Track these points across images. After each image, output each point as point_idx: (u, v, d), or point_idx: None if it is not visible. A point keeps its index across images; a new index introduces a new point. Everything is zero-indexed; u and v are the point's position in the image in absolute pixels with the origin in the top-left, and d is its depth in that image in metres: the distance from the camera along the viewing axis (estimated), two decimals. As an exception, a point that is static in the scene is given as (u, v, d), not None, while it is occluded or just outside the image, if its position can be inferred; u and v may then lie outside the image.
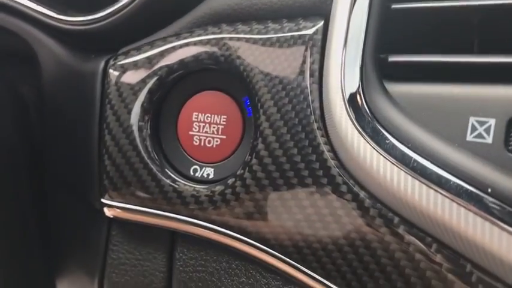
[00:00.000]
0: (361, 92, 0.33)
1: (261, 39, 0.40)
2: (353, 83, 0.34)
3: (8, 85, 0.53)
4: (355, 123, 0.33)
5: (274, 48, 0.40)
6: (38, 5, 0.48)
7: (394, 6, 0.35)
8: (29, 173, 0.51)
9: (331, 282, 0.38)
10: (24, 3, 0.49)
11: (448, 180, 0.31)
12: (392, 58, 0.35)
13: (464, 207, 0.30)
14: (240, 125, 0.42)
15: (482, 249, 0.30)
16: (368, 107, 0.33)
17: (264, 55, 0.40)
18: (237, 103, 0.43)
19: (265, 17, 0.42)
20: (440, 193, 0.31)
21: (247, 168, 0.40)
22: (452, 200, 0.30)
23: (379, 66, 0.35)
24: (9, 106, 0.51)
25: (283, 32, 0.40)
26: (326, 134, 0.37)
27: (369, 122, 0.33)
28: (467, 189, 0.30)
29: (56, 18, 0.48)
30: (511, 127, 0.31)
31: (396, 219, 0.34)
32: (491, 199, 0.29)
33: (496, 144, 0.31)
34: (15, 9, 0.49)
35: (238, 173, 0.40)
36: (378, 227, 0.34)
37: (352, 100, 0.33)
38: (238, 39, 0.41)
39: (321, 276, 0.38)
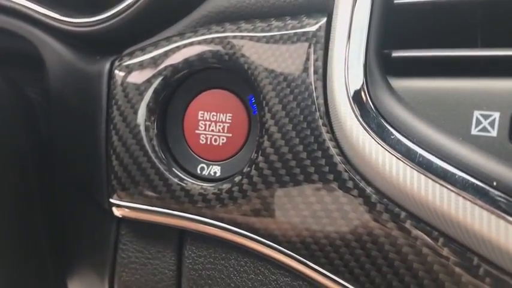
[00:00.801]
0: (366, 88, 0.33)
1: (264, 37, 0.41)
2: (357, 80, 0.34)
3: (15, 88, 0.53)
4: (360, 120, 0.33)
5: (278, 45, 0.40)
6: (43, 7, 0.49)
7: (396, 1, 0.35)
8: (38, 174, 0.51)
9: (339, 277, 0.38)
10: (30, 6, 0.49)
11: (454, 174, 0.31)
12: (396, 53, 0.35)
13: (470, 200, 0.30)
14: (245, 123, 0.43)
15: (489, 242, 0.30)
16: (372, 103, 0.33)
17: (268, 53, 0.40)
18: (242, 101, 0.43)
19: (268, 15, 0.42)
20: (446, 187, 0.31)
21: (253, 165, 0.40)
22: (458, 194, 0.31)
23: (383, 62, 0.35)
24: (17, 109, 0.52)
25: (287, 30, 0.40)
26: (331, 131, 0.37)
27: (374, 118, 0.33)
28: (472, 183, 0.30)
29: (61, 20, 0.48)
30: (516, 120, 0.31)
31: (403, 214, 0.34)
32: (496, 192, 0.30)
33: (501, 137, 0.31)
34: (21, 12, 0.50)
35: (244, 170, 0.41)
36: (385, 222, 0.35)
37: (356, 97, 0.33)
38: (242, 37, 0.41)
39: (329, 271, 0.38)
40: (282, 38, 0.40)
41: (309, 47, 0.39)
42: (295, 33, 0.40)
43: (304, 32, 0.39)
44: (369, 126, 0.33)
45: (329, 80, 0.36)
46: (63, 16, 0.48)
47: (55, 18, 0.49)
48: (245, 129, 0.43)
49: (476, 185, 0.30)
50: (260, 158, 0.40)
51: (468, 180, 0.31)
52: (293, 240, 0.39)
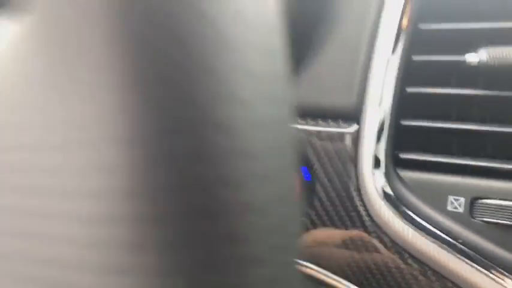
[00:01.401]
0: (387, 183, 0.56)
1: (315, 131, 0.62)
2: (380, 177, 0.56)
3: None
4: (387, 204, 0.56)
5: (325, 140, 0.61)
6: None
7: (403, 122, 0.58)
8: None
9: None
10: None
11: (436, 233, 0.54)
12: (403, 155, 0.57)
13: (445, 249, 0.53)
14: (299, 186, 0.64)
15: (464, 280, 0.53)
16: (392, 191, 0.56)
17: (317, 143, 0.62)
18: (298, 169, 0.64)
19: (316, 116, 0.63)
20: (432, 242, 0.54)
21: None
22: (438, 245, 0.54)
23: (395, 159, 0.58)
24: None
25: (330, 128, 0.62)
26: (363, 203, 0.59)
27: (394, 201, 0.56)
28: (447, 240, 0.54)
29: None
30: (474, 203, 0.54)
31: (406, 255, 0.57)
32: (461, 246, 0.53)
33: (465, 213, 0.54)
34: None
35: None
36: (396, 257, 0.58)
37: (382, 190, 0.56)
38: (299, 130, 0.63)
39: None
40: (328, 134, 0.61)
41: (345, 144, 0.60)
42: (337, 132, 0.61)
43: (343, 132, 0.61)
44: (391, 205, 0.56)
45: (360, 174, 0.58)
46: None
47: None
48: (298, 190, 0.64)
49: (449, 241, 0.53)
50: (311, 212, 0.62)
51: (445, 238, 0.54)
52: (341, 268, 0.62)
